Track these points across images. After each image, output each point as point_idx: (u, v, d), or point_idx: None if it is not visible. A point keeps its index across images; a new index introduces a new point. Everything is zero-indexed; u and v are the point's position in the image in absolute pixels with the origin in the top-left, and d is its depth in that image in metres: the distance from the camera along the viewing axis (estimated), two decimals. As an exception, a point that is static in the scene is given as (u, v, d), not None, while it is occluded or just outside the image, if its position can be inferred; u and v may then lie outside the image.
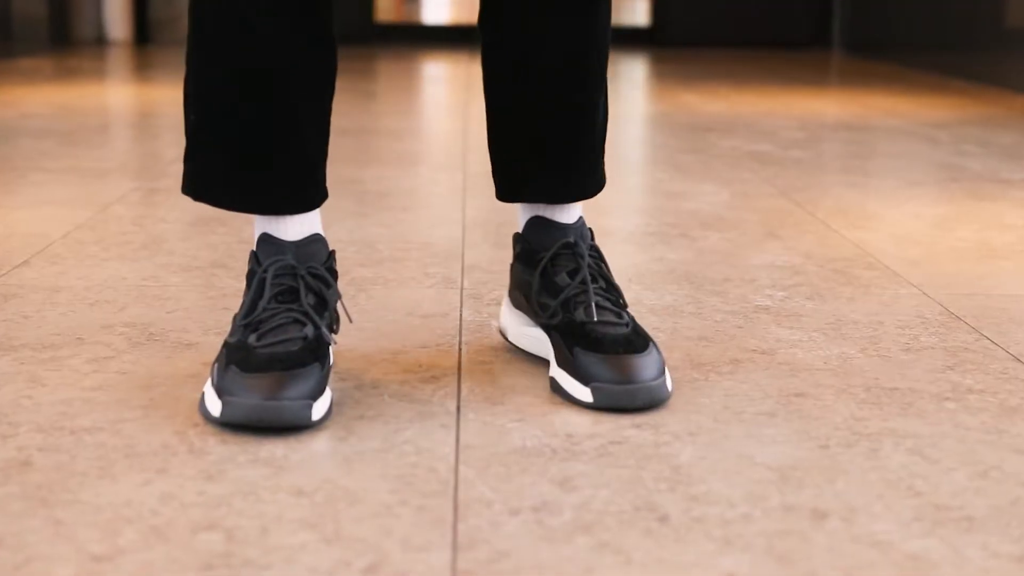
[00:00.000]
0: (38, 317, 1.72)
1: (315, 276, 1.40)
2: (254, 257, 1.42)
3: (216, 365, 1.35)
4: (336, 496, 1.14)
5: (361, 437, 1.29)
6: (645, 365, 1.37)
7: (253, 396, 1.27)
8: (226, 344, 1.36)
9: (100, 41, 8.28)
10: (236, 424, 1.27)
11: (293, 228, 1.42)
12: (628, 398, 1.35)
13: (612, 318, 1.43)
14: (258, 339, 1.34)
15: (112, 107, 4.70)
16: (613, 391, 1.35)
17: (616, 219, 2.54)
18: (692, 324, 1.74)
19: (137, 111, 4.57)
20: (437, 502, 1.13)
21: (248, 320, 1.37)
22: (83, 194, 2.70)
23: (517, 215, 1.61)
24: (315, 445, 1.26)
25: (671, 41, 8.78)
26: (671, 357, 1.58)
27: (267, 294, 1.37)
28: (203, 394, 1.34)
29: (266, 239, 1.41)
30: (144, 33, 8.52)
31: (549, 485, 1.17)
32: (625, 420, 1.34)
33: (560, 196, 1.51)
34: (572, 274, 1.48)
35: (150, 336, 1.64)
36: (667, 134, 3.99)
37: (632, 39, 9.07)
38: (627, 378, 1.36)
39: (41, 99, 4.74)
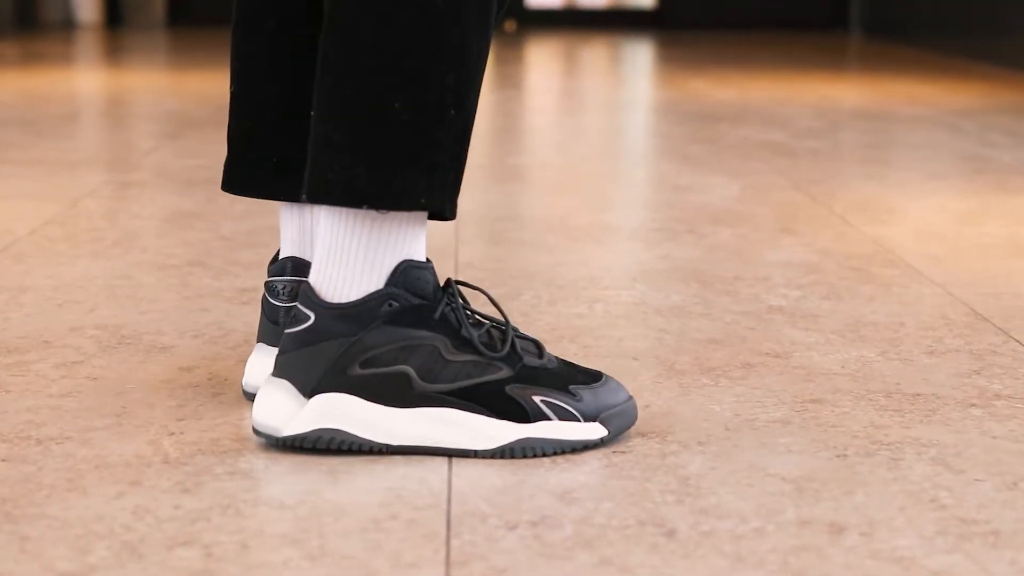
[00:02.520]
0: (2, 319, 1.72)
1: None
2: (432, 291, 1.27)
3: (550, 398, 1.27)
4: (321, 510, 1.14)
5: (348, 447, 1.29)
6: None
7: (620, 395, 1.31)
8: (523, 375, 1.28)
9: (68, 24, 8.28)
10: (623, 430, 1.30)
11: None
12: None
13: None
14: (540, 355, 1.31)
15: (82, 94, 4.69)
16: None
17: (619, 214, 2.55)
18: (701, 326, 1.74)
19: (109, 99, 4.57)
20: (429, 515, 1.13)
21: (505, 351, 1.28)
22: (51, 188, 2.70)
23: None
24: (297, 455, 1.26)
25: (678, 24, 8.78)
26: (679, 360, 1.58)
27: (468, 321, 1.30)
28: (558, 440, 1.26)
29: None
30: (116, 15, 8.51)
31: (548, 498, 1.17)
32: (629, 429, 1.34)
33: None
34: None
35: (122, 339, 1.64)
36: (674, 123, 3.99)
37: (637, 21, 9.07)
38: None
39: (5, 86, 4.74)
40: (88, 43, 7.08)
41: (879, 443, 1.32)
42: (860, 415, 1.40)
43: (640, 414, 1.39)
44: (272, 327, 1.40)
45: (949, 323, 1.77)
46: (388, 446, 1.25)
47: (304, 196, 1.25)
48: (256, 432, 1.27)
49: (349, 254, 1.26)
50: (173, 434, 1.31)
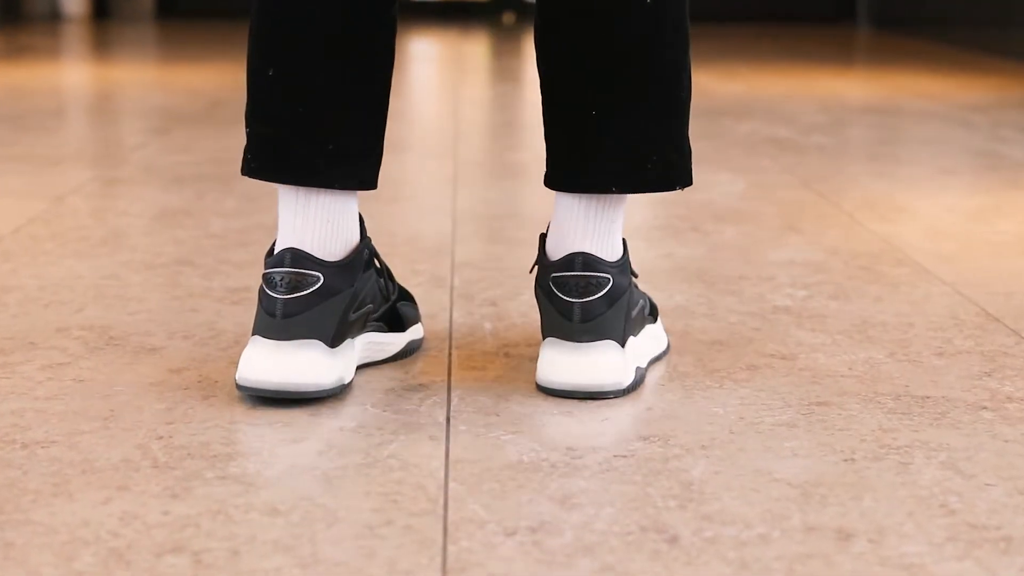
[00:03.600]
0: (-13, 319, 1.72)
1: None
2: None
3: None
4: (314, 515, 1.14)
5: (341, 451, 1.29)
6: None
7: None
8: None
9: (54, 16, 8.27)
10: None
11: None
12: None
13: None
14: None
15: (68, 89, 4.69)
16: None
17: (621, 211, 2.54)
18: (704, 326, 1.74)
19: (95, 93, 4.57)
20: (425, 522, 1.13)
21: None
22: (36, 184, 2.70)
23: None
24: (290, 460, 1.26)
25: (681, 16, 8.77)
26: (681, 362, 1.58)
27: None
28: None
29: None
30: (103, 8, 8.51)
31: (548, 503, 1.17)
32: (631, 432, 1.35)
33: None
34: None
35: (110, 340, 1.64)
36: (677, 118, 3.99)
37: (639, 14, 9.06)
38: None
39: (-10, 80, 4.74)
40: (75, 36, 7.08)
41: (887, 447, 1.32)
42: (868, 418, 1.40)
43: (642, 417, 1.39)
44: (269, 319, 1.39)
45: (959, 324, 1.77)
46: (644, 367, 1.52)
47: (613, 189, 1.46)
48: (596, 395, 1.44)
49: (611, 223, 1.49)
50: (162, 438, 1.31)
